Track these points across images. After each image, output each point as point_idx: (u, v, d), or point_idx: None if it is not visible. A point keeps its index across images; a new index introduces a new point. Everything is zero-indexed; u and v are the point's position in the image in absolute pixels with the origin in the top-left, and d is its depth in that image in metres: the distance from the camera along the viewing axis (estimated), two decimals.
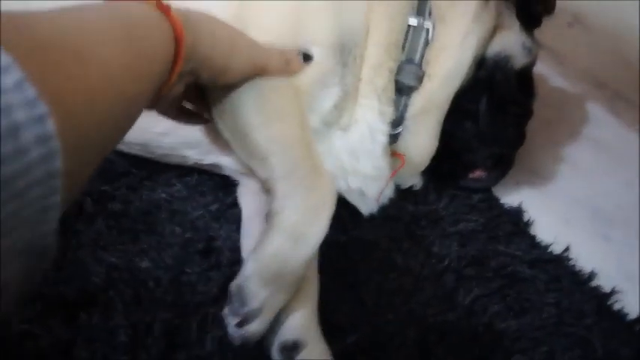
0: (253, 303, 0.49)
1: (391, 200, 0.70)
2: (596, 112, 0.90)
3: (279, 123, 0.53)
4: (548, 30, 0.91)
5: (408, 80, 0.61)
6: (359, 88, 0.60)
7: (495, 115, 0.67)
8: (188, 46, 0.39)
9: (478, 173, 0.72)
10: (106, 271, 0.58)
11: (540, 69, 0.94)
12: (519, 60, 0.67)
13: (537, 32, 0.73)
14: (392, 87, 0.61)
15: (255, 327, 0.49)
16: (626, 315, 0.61)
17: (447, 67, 0.62)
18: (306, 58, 0.56)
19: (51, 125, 0.23)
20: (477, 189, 0.73)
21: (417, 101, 0.62)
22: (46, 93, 0.23)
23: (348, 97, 0.60)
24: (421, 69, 0.62)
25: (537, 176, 0.78)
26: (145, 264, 0.60)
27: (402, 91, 0.62)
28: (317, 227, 0.51)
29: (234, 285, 0.49)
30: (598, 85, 0.94)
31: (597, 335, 0.58)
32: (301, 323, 0.56)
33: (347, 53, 0.58)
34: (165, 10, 0.39)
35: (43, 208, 0.23)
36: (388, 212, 0.69)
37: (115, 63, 0.31)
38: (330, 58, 0.57)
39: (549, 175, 0.78)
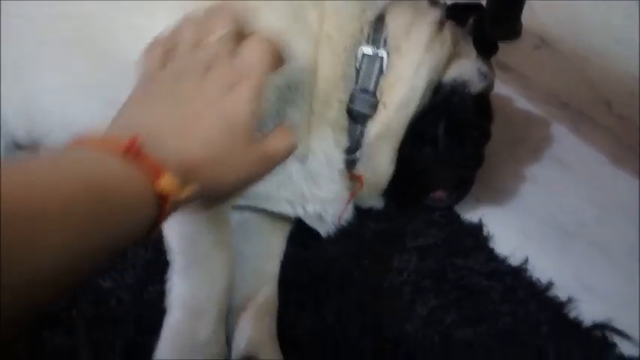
0: None
1: (353, 219, 0.71)
2: (560, 132, 0.92)
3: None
4: (515, 53, 0.95)
5: (362, 109, 0.63)
6: (311, 121, 0.63)
7: (454, 139, 0.69)
8: (176, 193, 0.32)
9: (439, 194, 0.74)
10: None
11: (506, 91, 0.98)
12: (476, 85, 0.70)
13: (504, 55, 0.75)
14: (344, 117, 0.64)
15: None
16: (581, 323, 0.62)
17: (400, 96, 0.64)
18: None
19: None
20: (438, 208, 0.75)
21: (373, 128, 0.64)
22: None
23: (299, 131, 0.62)
24: (375, 97, 0.64)
25: (498, 192, 0.80)
26: (107, 284, 0.61)
27: (357, 119, 0.64)
28: (214, 298, 0.54)
29: None
30: (562, 106, 0.97)
31: (552, 343, 0.59)
32: (255, 338, 0.57)
33: (294, 91, 0.60)
34: (137, 155, 0.31)
35: None
36: (350, 230, 0.71)
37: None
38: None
39: (510, 192, 0.80)
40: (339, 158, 0.65)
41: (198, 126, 0.36)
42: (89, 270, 0.28)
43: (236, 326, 0.58)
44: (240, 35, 0.43)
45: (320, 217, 0.67)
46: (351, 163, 0.66)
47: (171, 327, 0.52)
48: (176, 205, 0.33)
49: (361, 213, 0.72)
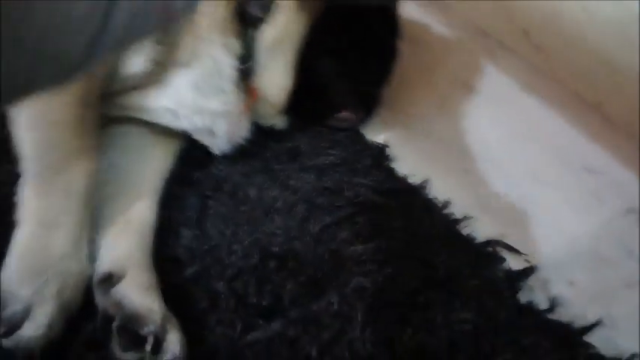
0: (15, 305, 0.45)
1: (253, 137, 0.67)
2: (476, 59, 0.90)
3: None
4: None
5: (255, 11, 0.57)
6: (197, 21, 0.55)
7: (357, 52, 0.65)
8: None
9: (345, 114, 0.70)
10: None
11: (424, 18, 0.94)
12: None
13: None
14: (235, 19, 0.57)
15: (29, 331, 0.45)
16: (473, 239, 0.61)
17: None
18: None
19: None
20: (343, 129, 0.71)
21: (266, 33, 0.59)
22: None
23: (179, 33, 0.55)
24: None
25: (407, 116, 0.77)
26: None
27: (250, 23, 0.58)
28: (71, 209, 0.49)
29: None
30: (481, 34, 0.94)
31: (442, 258, 0.57)
32: (123, 255, 0.52)
33: None
34: None
35: None
36: (249, 149, 0.66)
37: None
38: None
39: (419, 116, 0.77)
40: (229, 64, 0.58)
41: None
42: None
43: (99, 244, 0.53)
44: None
45: (210, 132, 0.62)
46: (244, 73, 0.60)
47: (20, 242, 0.47)
48: None
49: (263, 132, 0.68)
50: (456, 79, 0.86)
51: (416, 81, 0.81)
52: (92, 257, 0.52)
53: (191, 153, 0.65)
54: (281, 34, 0.60)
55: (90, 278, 0.51)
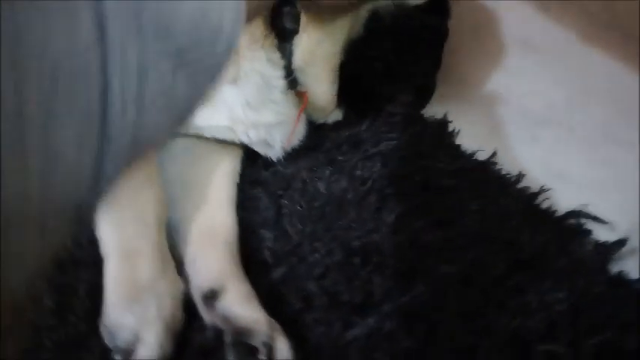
0: (124, 333, 0.47)
1: (308, 132, 0.66)
2: (527, 11, 0.86)
3: None
4: None
5: (288, 24, 0.56)
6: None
7: (404, 52, 0.63)
8: None
9: (401, 99, 0.68)
10: None
11: None
12: None
13: None
14: (272, 33, 0.57)
15: (144, 353, 0.47)
16: (554, 212, 0.59)
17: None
18: None
19: None
20: (400, 113, 0.70)
21: (302, 43, 0.58)
22: None
23: None
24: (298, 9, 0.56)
25: (463, 85, 0.75)
26: None
27: (285, 35, 0.57)
28: (147, 235, 0.51)
29: (100, 325, 0.48)
30: None
31: (524, 235, 0.56)
32: (218, 269, 0.53)
33: None
34: None
35: None
36: (307, 143, 0.66)
37: None
38: None
39: (476, 82, 0.75)
40: (276, 76, 0.58)
41: None
42: None
43: (193, 259, 0.54)
44: None
45: (266, 143, 0.62)
46: (292, 83, 0.60)
47: (111, 276, 0.50)
48: None
49: (318, 125, 0.67)
50: (509, 36, 0.82)
51: (468, 45, 0.78)
52: (182, 273, 0.54)
53: (254, 153, 0.66)
54: (313, 44, 0.58)
55: (186, 294, 0.53)
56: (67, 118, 0.18)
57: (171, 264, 0.53)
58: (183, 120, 0.26)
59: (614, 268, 0.55)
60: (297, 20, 0.56)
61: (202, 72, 0.25)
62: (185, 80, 0.23)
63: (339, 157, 0.65)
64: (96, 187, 0.20)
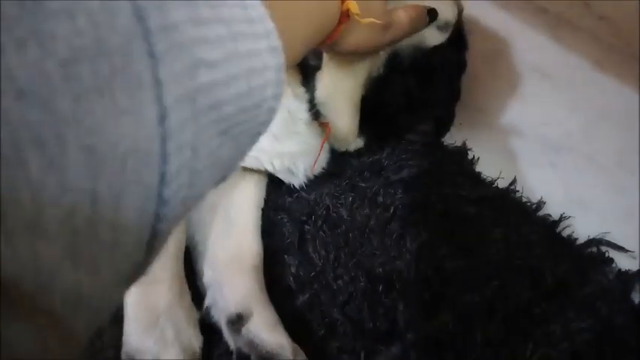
0: (145, 357, 0.48)
1: (331, 159, 0.67)
2: (539, 40, 0.88)
3: None
4: None
5: (312, 61, 0.58)
6: None
7: (426, 85, 0.65)
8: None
9: (421, 128, 0.70)
10: None
11: (478, 4, 0.92)
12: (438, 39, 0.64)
13: None
14: (297, 68, 0.59)
15: None
16: (575, 240, 0.60)
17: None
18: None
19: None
20: (419, 141, 0.71)
21: (320, 83, 0.59)
22: None
23: None
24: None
25: (480, 113, 0.76)
26: None
27: (308, 73, 0.59)
28: (166, 265, 0.53)
29: (122, 353, 0.49)
30: (539, 12, 0.92)
31: (547, 263, 0.57)
32: (245, 294, 0.54)
33: None
34: None
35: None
36: (329, 170, 0.67)
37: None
38: None
39: (493, 110, 0.76)
40: (303, 109, 0.60)
41: None
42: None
43: (220, 284, 0.55)
44: None
45: (290, 171, 0.64)
46: (316, 114, 0.61)
47: (130, 305, 0.51)
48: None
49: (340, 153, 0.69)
50: (523, 63, 0.84)
51: (483, 74, 0.80)
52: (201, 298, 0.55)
53: (278, 179, 0.67)
54: (334, 80, 0.60)
55: (203, 320, 0.54)
56: (133, 194, 0.19)
57: (187, 292, 0.54)
58: (225, 178, 0.28)
59: (637, 297, 0.55)
60: (319, 57, 0.58)
61: (245, 135, 0.27)
62: (229, 143, 0.25)
63: (361, 184, 0.66)
64: (151, 250, 0.22)
